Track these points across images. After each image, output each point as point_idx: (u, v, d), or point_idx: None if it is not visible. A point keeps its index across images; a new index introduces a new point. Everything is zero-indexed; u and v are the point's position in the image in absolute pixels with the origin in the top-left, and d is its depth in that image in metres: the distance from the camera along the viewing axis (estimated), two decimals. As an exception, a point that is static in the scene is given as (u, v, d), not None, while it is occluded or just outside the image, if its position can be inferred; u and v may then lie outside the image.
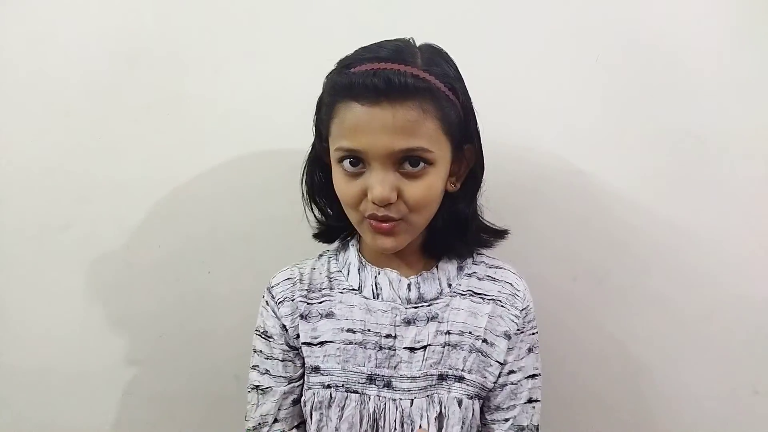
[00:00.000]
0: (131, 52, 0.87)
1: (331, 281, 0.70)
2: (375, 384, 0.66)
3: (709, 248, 0.86)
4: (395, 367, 0.66)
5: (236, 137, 0.88)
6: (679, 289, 0.87)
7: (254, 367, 0.71)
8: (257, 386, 0.70)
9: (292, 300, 0.69)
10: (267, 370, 0.70)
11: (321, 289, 0.70)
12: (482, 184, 0.68)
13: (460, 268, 0.70)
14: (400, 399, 0.65)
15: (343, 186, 0.61)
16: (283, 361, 0.70)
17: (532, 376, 0.69)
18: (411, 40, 0.62)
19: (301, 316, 0.68)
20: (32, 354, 0.93)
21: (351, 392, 0.66)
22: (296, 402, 0.70)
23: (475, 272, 0.70)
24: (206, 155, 0.89)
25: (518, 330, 0.68)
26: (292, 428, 0.71)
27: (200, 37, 0.87)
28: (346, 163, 0.59)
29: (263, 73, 0.87)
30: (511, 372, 0.68)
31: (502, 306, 0.68)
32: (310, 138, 0.68)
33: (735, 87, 0.83)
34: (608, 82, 0.84)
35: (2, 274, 0.91)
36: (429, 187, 0.59)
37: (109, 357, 0.94)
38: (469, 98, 0.63)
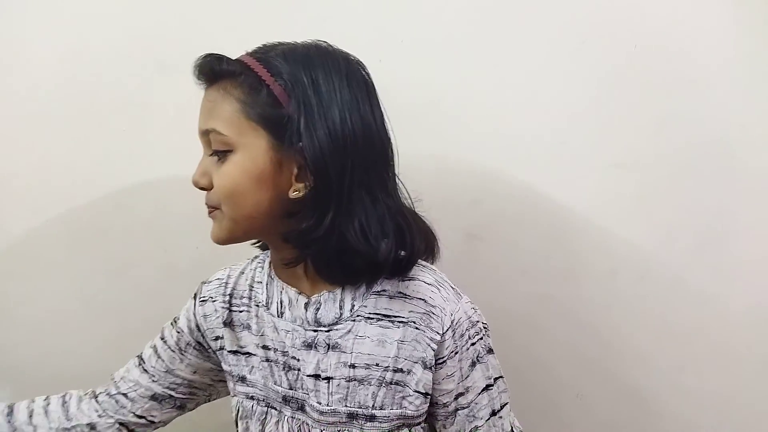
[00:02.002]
0: (159, 60, 0.89)
1: (251, 291, 0.66)
2: (290, 405, 0.63)
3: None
4: (307, 392, 0.61)
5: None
6: (723, 284, 0.85)
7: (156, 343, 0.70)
8: (139, 355, 0.70)
9: (214, 302, 0.67)
10: (155, 347, 0.69)
11: (242, 298, 0.66)
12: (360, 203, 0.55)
13: (369, 285, 0.59)
14: (312, 426, 0.61)
15: None
16: (173, 351, 0.68)
17: (487, 387, 0.61)
18: (324, 44, 0.57)
19: (224, 323, 0.66)
20: (72, 360, 0.96)
21: (271, 408, 0.64)
22: (155, 398, 0.68)
23: (385, 290, 0.59)
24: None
25: (447, 354, 0.58)
26: (135, 414, 0.68)
27: (226, 43, 0.88)
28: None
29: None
30: (460, 395, 0.60)
31: (417, 329, 0.58)
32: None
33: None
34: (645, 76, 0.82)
35: (41, 281, 0.94)
36: (225, 173, 0.54)
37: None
38: (326, 105, 0.53)
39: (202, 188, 0.58)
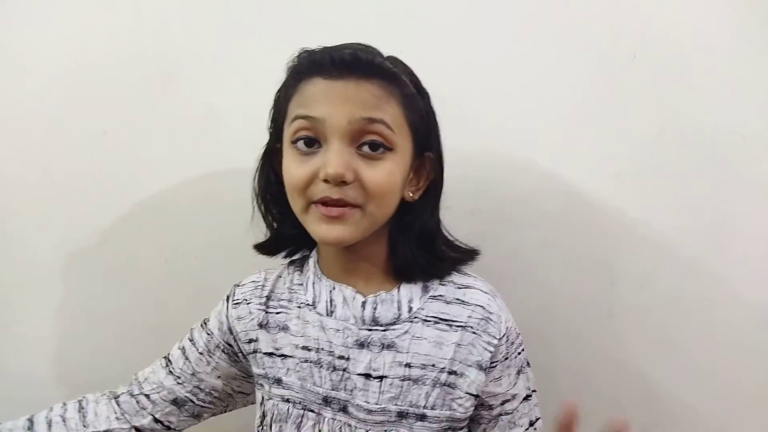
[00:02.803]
0: (164, 70, 0.90)
1: (291, 293, 0.66)
2: (330, 407, 0.62)
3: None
4: (351, 392, 0.61)
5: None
6: (724, 292, 0.84)
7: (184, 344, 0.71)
8: (167, 356, 0.70)
9: (248, 304, 0.67)
10: (183, 348, 0.70)
11: (280, 300, 0.66)
12: (440, 201, 0.64)
13: (425, 290, 0.62)
14: (356, 427, 0.60)
15: (294, 167, 0.56)
16: (201, 353, 0.68)
17: (527, 398, 0.65)
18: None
19: (260, 325, 0.66)
20: (74, 365, 0.96)
21: (308, 410, 0.62)
22: (176, 402, 0.69)
23: (442, 295, 0.62)
24: (241, 167, 0.90)
25: (500, 358, 0.62)
26: (153, 418, 0.68)
27: (229, 53, 0.89)
28: (301, 143, 0.56)
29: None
30: (506, 401, 0.63)
31: (474, 333, 0.61)
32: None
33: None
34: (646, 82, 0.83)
35: (43, 288, 0.94)
36: (389, 172, 0.55)
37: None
38: (433, 109, 0.62)
39: (340, 183, 0.54)
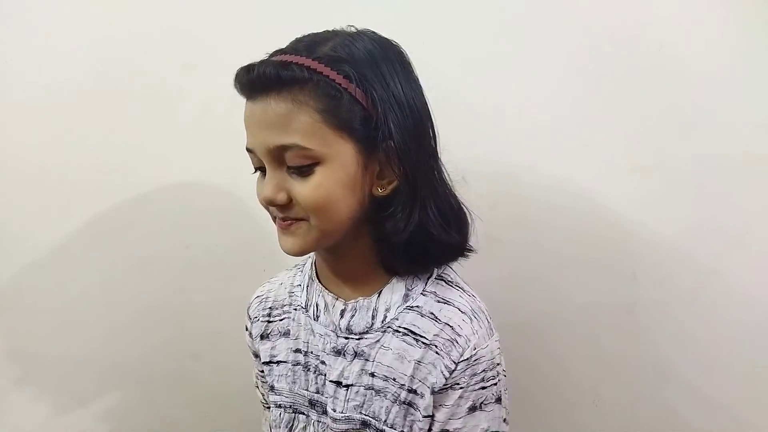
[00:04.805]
0: (185, 58, 0.91)
1: (290, 296, 0.66)
2: (315, 409, 0.63)
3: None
4: (327, 397, 0.61)
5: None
6: (746, 290, 0.82)
7: (255, 380, 0.74)
8: (261, 401, 0.74)
9: (258, 320, 0.68)
10: (257, 385, 0.73)
11: (282, 306, 0.66)
12: (432, 189, 0.56)
13: (405, 299, 0.58)
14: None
15: (256, 187, 0.57)
16: (263, 383, 0.70)
17: None
18: (348, 28, 0.56)
19: (261, 336, 0.67)
20: (95, 349, 0.98)
21: (298, 413, 0.64)
22: None
23: (419, 306, 0.58)
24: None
25: (450, 383, 0.56)
26: None
27: (251, 44, 0.89)
28: (253, 163, 0.56)
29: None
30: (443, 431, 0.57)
31: (437, 353, 0.56)
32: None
33: None
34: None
35: (67, 271, 0.96)
36: (317, 186, 0.52)
37: (169, 352, 0.99)
38: (396, 94, 0.53)
39: (278, 205, 0.54)
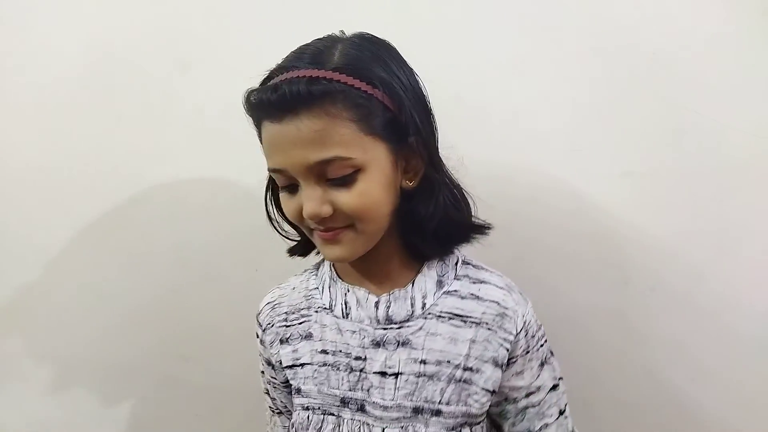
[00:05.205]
0: (180, 57, 0.91)
1: (308, 300, 0.67)
2: (348, 407, 0.63)
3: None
4: (368, 391, 0.62)
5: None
6: (737, 295, 0.83)
7: (265, 386, 0.74)
8: (269, 405, 0.74)
9: (272, 326, 0.68)
10: (267, 391, 0.73)
11: (300, 309, 0.67)
12: (446, 174, 0.61)
13: (439, 285, 0.62)
14: (373, 425, 0.61)
15: (285, 204, 0.58)
16: (275, 387, 0.71)
17: (554, 387, 0.66)
18: (341, 33, 0.58)
19: (281, 341, 0.67)
20: (87, 348, 0.98)
21: (328, 414, 0.64)
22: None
23: (456, 290, 0.62)
24: (258, 158, 0.91)
25: (519, 353, 0.62)
26: None
27: (247, 44, 0.90)
28: (280, 182, 0.58)
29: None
30: (531, 393, 0.64)
31: (489, 329, 0.61)
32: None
33: None
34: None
35: (59, 271, 0.96)
36: (361, 193, 0.54)
37: (161, 352, 0.99)
38: (408, 88, 0.56)
39: (323, 218, 0.55)
